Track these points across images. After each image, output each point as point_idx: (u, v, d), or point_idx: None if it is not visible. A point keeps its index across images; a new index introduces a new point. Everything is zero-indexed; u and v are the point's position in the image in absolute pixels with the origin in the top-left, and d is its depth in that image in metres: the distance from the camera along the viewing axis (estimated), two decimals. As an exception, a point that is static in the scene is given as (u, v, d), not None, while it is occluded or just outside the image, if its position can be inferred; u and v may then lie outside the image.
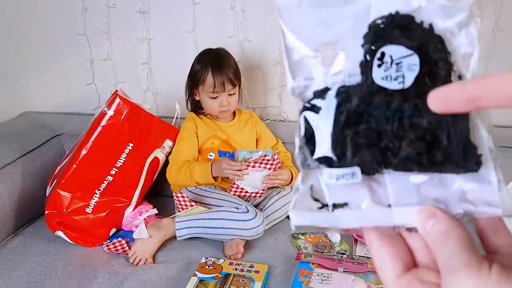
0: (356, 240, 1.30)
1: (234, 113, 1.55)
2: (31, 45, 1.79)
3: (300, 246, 1.28)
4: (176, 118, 1.50)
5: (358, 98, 0.28)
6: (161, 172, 1.47)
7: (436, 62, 0.27)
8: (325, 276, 1.05)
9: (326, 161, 0.28)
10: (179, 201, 1.32)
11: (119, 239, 1.32)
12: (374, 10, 0.28)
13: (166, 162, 1.47)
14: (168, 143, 1.46)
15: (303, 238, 1.32)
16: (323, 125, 0.28)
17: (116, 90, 1.37)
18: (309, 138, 0.29)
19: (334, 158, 0.28)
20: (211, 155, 1.46)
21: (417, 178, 0.28)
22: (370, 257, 1.21)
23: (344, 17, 0.29)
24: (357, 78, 0.28)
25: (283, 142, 1.58)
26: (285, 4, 0.31)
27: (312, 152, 0.29)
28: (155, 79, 1.78)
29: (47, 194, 1.35)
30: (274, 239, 1.32)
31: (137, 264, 1.20)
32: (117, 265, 1.20)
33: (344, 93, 0.28)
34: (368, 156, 0.27)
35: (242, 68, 1.52)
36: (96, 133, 1.31)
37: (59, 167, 1.38)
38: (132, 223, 1.37)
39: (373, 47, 0.27)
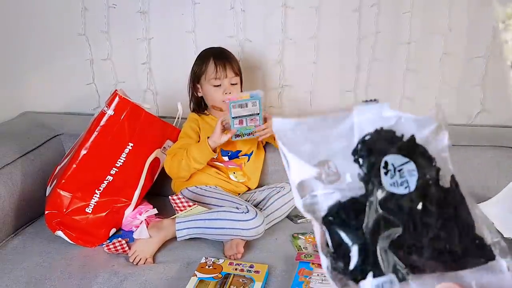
0: (356, 240, 1.30)
1: None
2: (31, 45, 1.79)
3: (300, 246, 1.28)
4: (178, 118, 1.50)
5: (375, 208, 0.29)
6: (162, 172, 1.47)
7: (425, 166, 0.31)
8: (325, 276, 1.05)
9: (361, 274, 0.28)
10: (176, 203, 1.32)
11: (119, 239, 1.32)
12: (357, 129, 0.31)
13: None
14: (169, 143, 1.46)
15: (303, 238, 1.32)
16: (350, 238, 0.29)
17: (116, 90, 1.37)
18: (339, 252, 0.29)
19: (369, 268, 0.28)
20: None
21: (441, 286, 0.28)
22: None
23: (332, 138, 0.32)
24: (356, 191, 0.31)
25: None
26: (282, 129, 0.34)
27: (346, 266, 0.29)
28: (155, 79, 1.78)
29: (47, 194, 1.35)
30: (274, 239, 1.32)
31: (137, 264, 1.20)
32: (117, 265, 1.20)
33: (357, 205, 0.30)
34: (398, 261, 0.27)
35: (242, 68, 1.52)
36: (95, 133, 1.31)
37: (59, 167, 1.38)
38: (132, 223, 1.37)
39: (372, 159, 0.30)
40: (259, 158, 1.55)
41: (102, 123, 1.32)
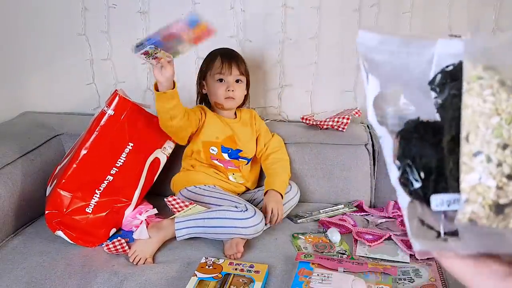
0: (356, 240, 1.30)
1: (235, 113, 1.55)
2: (31, 45, 1.79)
3: (300, 246, 1.28)
4: None
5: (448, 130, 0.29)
6: (162, 173, 1.47)
7: None
8: (325, 276, 1.05)
9: (434, 188, 0.29)
10: (172, 205, 1.32)
11: (119, 238, 1.32)
12: (435, 62, 0.30)
13: (167, 163, 1.47)
14: (169, 143, 1.46)
15: (303, 238, 1.32)
16: (428, 153, 0.29)
17: (116, 90, 1.37)
18: (413, 164, 0.30)
19: (443, 183, 0.28)
20: (213, 150, 1.45)
21: None
22: (370, 257, 1.21)
23: (412, 66, 0.31)
24: (431, 116, 0.31)
25: (284, 142, 1.57)
26: (366, 45, 0.32)
27: (418, 178, 0.29)
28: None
29: (47, 194, 1.35)
30: (274, 239, 1.32)
31: (136, 263, 1.20)
32: (117, 265, 1.20)
33: (435, 124, 0.30)
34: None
35: (242, 68, 1.52)
36: (96, 133, 1.31)
37: (59, 167, 1.38)
38: (132, 223, 1.37)
39: (453, 86, 0.30)
40: (257, 164, 1.56)
41: (102, 123, 1.32)
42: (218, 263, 1.16)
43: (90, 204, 1.31)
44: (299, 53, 1.68)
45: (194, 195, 1.39)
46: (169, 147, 1.46)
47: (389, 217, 1.45)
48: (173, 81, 1.27)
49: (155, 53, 1.16)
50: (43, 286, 1.11)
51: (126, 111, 1.33)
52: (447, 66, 0.30)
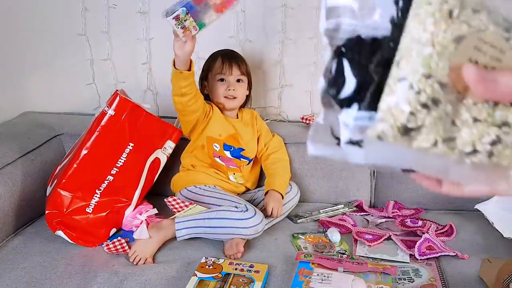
0: (356, 240, 1.30)
1: (236, 114, 1.55)
2: (31, 45, 1.79)
3: (300, 246, 1.28)
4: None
5: (383, 52, 0.30)
6: (162, 173, 1.47)
7: None
8: (325, 276, 1.05)
9: (348, 103, 0.31)
10: (172, 205, 1.32)
11: (119, 238, 1.32)
12: None
13: (168, 163, 1.47)
14: (169, 144, 1.46)
15: (303, 238, 1.32)
16: (352, 72, 0.31)
17: (117, 90, 1.37)
18: (337, 80, 0.31)
19: (357, 101, 0.30)
20: (216, 146, 1.45)
21: None
22: (370, 257, 1.21)
23: None
24: (381, 31, 0.31)
25: (284, 142, 1.57)
26: None
27: (338, 93, 0.31)
28: (155, 79, 1.78)
29: (47, 194, 1.35)
30: (274, 239, 1.32)
31: (136, 263, 1.20)
32: (117, 265, 1.20)
33: (375, 45, 0.31)
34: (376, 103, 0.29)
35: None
36: (96, 133, 1.31)
37: (59, 167, 1.38)
38: (132, 223, 1.37)
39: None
40: (257, 164, 1.56)
41: (102, 123, 1.32)
42: (218, 263, 1.16)
43: (90, 204, 1.31)
44: (299, 53, 1.68)
45: (194, 195, 1.39)
46: (169, 147, 1.46)
47: (389, 217, 1.45)
48: (190, 60, 1.29)
49: (185, 20, 1.17)
50: (43, 286, 1.11)
51: (126, 111, 1.33)
52: None
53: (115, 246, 1.29)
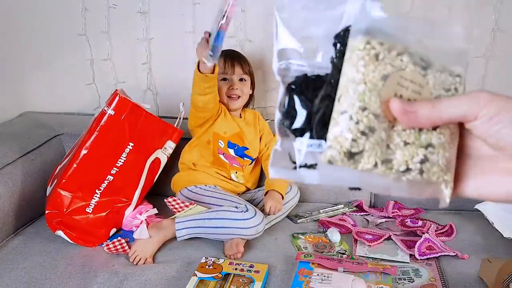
0: (356, 240, 1.30)
1: (240, 114, 1.55)
2: (31, 45, 1.79)
3: (300, 246, 1.28)
4: (180, 118, 1.50)
5: (327, 88, 0.35)
6: (162, 173, 1.47)
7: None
8: (325, 276, 1.05)
9: (300, 133, 0.36)
10: (172, 205, 1.32)
11: (119, 238, 1.32)
12: (345, 18, 0.35)
13: (168, 163, 1.47)
14: (169, 144, 1.46)
15: (303, 238, 1.32)
16: (302, 106, 0.36)
17: (116, 90, 1.37)
18: (290, 113, 0.37)
19: (308, 131, 0.36)
20: (221, 143, 1.46)
21: None
22: (370, 257, 1.21)
23: (322, 20, 0.36)
24: (323, 70, 0.36)
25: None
26: (281, 5, 0.38)
27: (291, 124, 0.36)
28: (155, 79, 1.78)
29: (47, 194, 1.35)
30: (274, 239, 1.32)
31: (137, 263, 1.20)
32: (117, 265, 1.20)
33: (318, 82, 0.36)
34: (325, 132, 0.35)
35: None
36: (96, 133, 1.31)
37: (59, 167, 1.38)
38: (132, 223, 1.37)
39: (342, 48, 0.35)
40: (258, 165, 1.57)
41: (102, 123, 1.32)
42: (218, 263, 1.16)
43: (90, 204, 1.31)
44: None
45: (195, 195, 1.40)
46: (169, 147, 1.46)
47: (389, 217, 1.45)
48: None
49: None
50: (43, 286, 1.11)
51: (126, 111, 1.33)
52: (349, 26, 0.35)
53: (115, 246, 1.29)
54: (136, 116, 1.36)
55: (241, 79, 1.47)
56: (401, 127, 0.34)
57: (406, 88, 0.34)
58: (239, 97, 1.47)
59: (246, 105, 1.57)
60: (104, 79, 1.78)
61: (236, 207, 1.27)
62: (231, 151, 1.47)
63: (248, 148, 1.49)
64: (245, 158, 1.49)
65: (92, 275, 1.14)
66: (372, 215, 1.47)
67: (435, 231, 1.31)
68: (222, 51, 1.50)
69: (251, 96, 1.56)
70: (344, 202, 1.54)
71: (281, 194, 1.40)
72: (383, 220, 1.44)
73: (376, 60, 0.33)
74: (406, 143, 0.34)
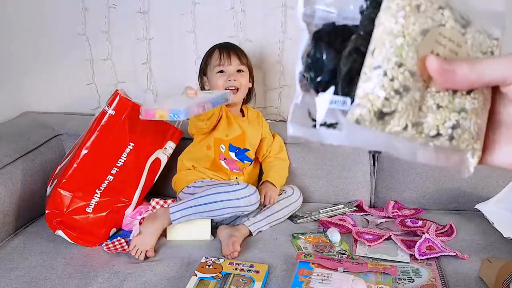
0: (356, 240, 1.30)
1: (242, 111, 1.53)
2: (31, 45, 1.79)
3: (300, 246, 1.28)
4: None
5: (356, 40, 0.32)
6: (162, 173, 1.47)
7: None
8: (325, 276, 1.05)
9: (324, 87, 0.33)
10: (109, 249, 1.29)
11: (119, 238, 1.32)
12: None
13: (168, 163, 1.47)
14: (170, 144, 1.45)
15: (303, 238, 1.32)
16: (328, 57, 0.33)
17: (117, 90, 1.37)
18: (314, 64, 0.34)
19: (332, 86, 0.33)
20: (222, 147, 1.44)
21: None
22: (370, 257, 1.22)
23: None
24: (352, 21, 0.33)
25: (284, 142, 1.57)
26: None
27: (315, 77, 0.34)
28: (155, 79, 1.78)
29: (47, 194, 1.35)
30: (274, 239, 1.32)
31: (138, 257, 1.20)
32: (117, 265, 1.20)
33: (347, 32, 0.33)
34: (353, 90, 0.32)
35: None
36: (96, 133, 1.32)
37: (59, 167, 1.38)
38: (132, 223, 1.37)
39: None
40: (257, 166, 1.55)
41: (103, 122, 1.32)
42: (218, 263, 1.16)
43: (91, 204, 1.31)
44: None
45: (194, 189, 1.39)
46: (170, 147, 1.46)
47: (389, 217, 1.45)
48: None
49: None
50: (43, 286, 1.11)
51: (127, 111, 1.34)
52: None
53: (114, 246, 1.29)
54: (136, 116, 1.35)
55: (238, 70, 1.44)
56: (435, 88, 0.32)
57: (443, 46, 0.31)
58: (237, 89, 1.43)
59: (246, 101, 1.55)
60: (104, 79, 1.78)
61: (228, 183, 1.28)
62: (232, 154, 1.45)
63: (249, 150, 1.48)
64: (245, 161, 1.47)
65: (92, 275, 1.14)
66: (372, 215, 1.47)
67: (435, 231, 1.31)
68: (217, 44, 1.48)
69: (250, 90, 1.52)
70: (344, 202, 1.54)
71: (275, 186, 1.41)
72: (383, 220, 1.44)
73: (417, 12, 0.31)
74: (439, 106, 0.32)
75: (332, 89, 0.33)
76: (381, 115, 0.31)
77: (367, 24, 0.32)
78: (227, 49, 1.43)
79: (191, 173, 1.46)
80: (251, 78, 1.50)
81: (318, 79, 0.33)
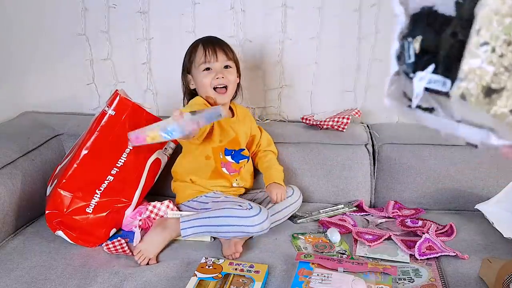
0: (356, 240, 1.30)
1: (232, 110, 1.48)
2: (31, 45, 1.79)
3: (300, 246, 1.28)
4: None
5: (453, 26, 0.33)
6: (163, 173, 1.47)
7: None
8: (325, 276, 1.05)
9: (422, 66, 0.33)
10: (110, 250, 1.28)
11: (119, 239, 1.32)
12: None
13: (168, 163, 1.47)
14: (170, 144, 1.46)
15: (303, 238, 1.32)
16: (427, 38, 0.34)
17: (117, 90, 1.37)
18: (413, 44, 0.34)
19: (431, 65, 0.33)
20: (220, 154, 1.42)
21: None
22: (370, 257, 1.22)
23: None
24: (449, 11, 0.34)
25: (282, 142, 1.57)
26: None
27: (413, 56, 0.34)
28: (155, 79, 1.78)
29: (47, 194, 1.35)
30: (274, 239, 1.32)
31: (140, 263, 1.20)
32: (117, 265, 1.20)
33: (446, 19, 0.34)
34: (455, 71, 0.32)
35: (242, 68, 1.51)
36: (96, 133, 1.32)
37: (59, 167, 1.38)
38: (132, 224, 1.37)
39: None
40: (251, 163, 1.52)
41: (102, 123, 1.32)
42: (218, 263, 1.16)
43: (91, 204, 1.31)
44: (299, 53, 1.68)
45: (198, 204, 1.38)
46: (170, 147, 1.46)
47: (389, 217, 1.45)
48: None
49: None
50: (43, 286, 1.11)
51: (127, 111, 1.34)
52: None
53: (114, 247, 1.28)
54: (136, 116, 1.36)
55: (226, 66, 1.35)
56: None
57: None
58: (226, 87, 1.35)
59: (233, 97, 1.47)
60: (104, 79, 1.78)
61: (240, 206, 1.26)
62: (228, 158, 1.42)
63: (244, 149, 1.46)
64: (240, 160, 1.45)
65: (92, 275, 1.14)
66: (372, 215, 1.47)
67: (435, 231, 1.31)
68: (201, 38, 1.40)
69: (238, 86, 1.45)
70: (344, 202, 1.54)
71: (282, 186, 1.42)
72: (383, 220, 1.44)
73: None
74: None
75: (432, 67, 0.33)
76: (489, 92, 0.30)
77: (464, 11, 0.32)
78: (212, 44, 1.34)
79: (190, 186, 1.41)
80: (238, 73, 1.43)
81: (416, 59, 0.34)
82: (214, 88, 1.35)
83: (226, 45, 1.40)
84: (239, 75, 1.43)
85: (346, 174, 1.54)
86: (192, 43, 1.42)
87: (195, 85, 1.40)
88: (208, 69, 1.35)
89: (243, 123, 1.48)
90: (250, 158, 1.50)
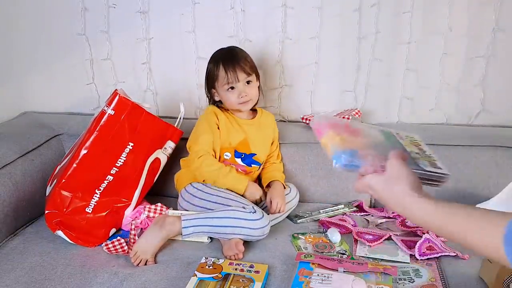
0: (356, 240, 1.30)
1: (255, 111, 1.52)
2: (31, 45, 1.79)
3: (300, 246, 1.28)
4: (180, 119, 1.50)
5: None
6: (162, 173, 1.47)
7: None
8: (325, 276, 1.05)
9: None
10: (109, 249, 1.29)
11: (119, 238, 1.32)
12: None
13: (168, 163, 1.47)
14: (170, 144, 1.45)
15: (303, 238, 1.32)
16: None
17: (116, 89, 1.37)
18: None
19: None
20: (227, 155, 1.43)
21: None
22: (370, 257, 1.21)
23: None
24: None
25: (282, 143, 1.57)
26: None
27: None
28: (155, 79, 1.78)
29: (47, 194, 1.35)
30: (274, 239, 1.31)
31: (137, 265, 1.20)
32: (117, 265, 1.20)
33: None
34: None
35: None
36: (96, 133, 1.31)
37: (59, 167, 1.38)
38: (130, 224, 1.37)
39: None
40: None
41: (102, 122, 1.32)
42: (218, 263, 1.16)
43: (90, 204, 1.31)
44: (299, 53, 1.68)
45: (201, 193, 1.37)
46: (169, 147, 1.46)
47: (389, 217, 1.45)
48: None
49: None
50: (43, 286, 1.10)
51: (126, 111, 1.33)
52: None
53: (114, 246, 1.28)
54: (136, 116, 1.36)
55: (247, 82, 1.42)
56: None
57: None
58: (250, 100, 1.44)
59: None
60: (104, 79, 1.78)
61: (244, 208, 1.26)
62: (239, 160, 1.44)
63: (255, 154, 1.46)
64: (252, 165, 1.46)
65: (92, 275, 1.14)
66: (372, 215, 1.47)
67: (435, 231, 1.31)
68: (220, 53, 1.44)
69: (258, 88, 1.50)
70: (344, 202, 1.53)
71: (283, 185, 1.44)
72: (383, 220, 1.44)
73: None
74: None
75: None
76: None
77: None
78: (232, 64, 1.40)
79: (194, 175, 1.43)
80: (258, 79, 1.48)
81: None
82: (239, 103, 1.43)
83: (244, 59, 1.43)
84: (258, 79, 1.48)
85: (346, 174, 1.54)
86: (213, 59, 1.45)
87: (219, 98, 1.46)
88: (232, 87, 1.41)
89: (261, 129, 1.50)
90: (262, 165, 1.51)
